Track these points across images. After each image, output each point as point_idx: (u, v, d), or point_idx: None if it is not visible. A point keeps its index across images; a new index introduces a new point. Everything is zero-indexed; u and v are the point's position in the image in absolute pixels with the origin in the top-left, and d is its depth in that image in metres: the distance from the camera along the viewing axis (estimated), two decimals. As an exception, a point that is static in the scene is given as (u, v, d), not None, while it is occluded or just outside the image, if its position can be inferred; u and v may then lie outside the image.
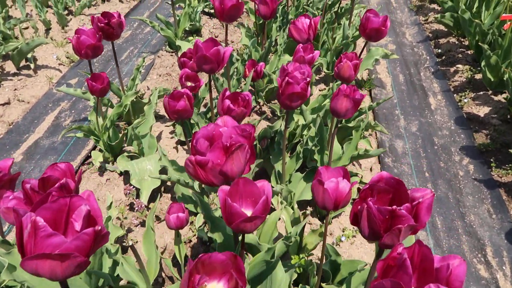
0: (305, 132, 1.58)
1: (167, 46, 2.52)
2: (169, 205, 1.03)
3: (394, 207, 0.68)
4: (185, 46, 2.34)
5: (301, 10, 2.30)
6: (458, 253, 1.43)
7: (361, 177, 1.45)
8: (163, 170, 1.47)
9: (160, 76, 2.33)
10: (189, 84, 1.56)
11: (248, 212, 0.75)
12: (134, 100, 1.76)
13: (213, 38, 1.29)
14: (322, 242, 1.16)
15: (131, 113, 1.84)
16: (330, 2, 2.49)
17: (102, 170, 1.62)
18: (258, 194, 0.74)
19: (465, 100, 2.17)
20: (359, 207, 0.73)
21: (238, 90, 1.75)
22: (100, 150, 1.64)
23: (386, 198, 0.76)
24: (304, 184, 1.40)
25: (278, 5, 2.39)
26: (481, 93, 2.24)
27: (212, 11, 2.86)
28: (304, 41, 1.55)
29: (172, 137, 1.81)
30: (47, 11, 2.87)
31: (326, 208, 0.79)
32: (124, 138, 1.63)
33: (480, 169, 1.78)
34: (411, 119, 2.11)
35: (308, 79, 1.11)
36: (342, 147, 1.66)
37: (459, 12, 2.46)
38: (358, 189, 1.52)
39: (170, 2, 2.85)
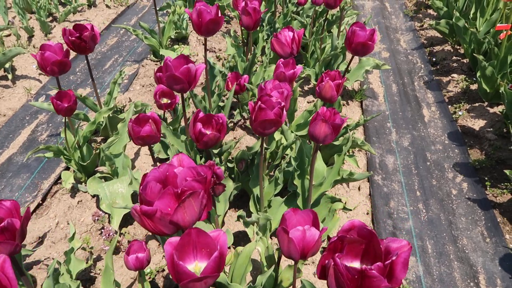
0: (288, 151, 1.50)
1: (152, 55, 2.43)
2: (129, 244, 0.94)
3: (364, 267, 0.59)
4: (169, 55, 2.26)
5: (289, 19, 2.21)
6: (449, 281, 1.35)
7: (345, 203, 1.37)
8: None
9: (143, 86, 2.24)
10: (164, 101, 1.47)
11: (203, 265, 0.67)
12: (110, 115, 1.67)
13: (185, 56, 1.21)
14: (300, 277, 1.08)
15: (108, 128, 1.75)
16: (320, 9, 2.40)
17: (74, 191, 1.53)
18: (213, 246, 0.65)
19: (460, 113, 2.09)
20: (326, 261, 0.65)
21: (220, 104, 1.67)
22: (73, 170, 1.55)
23: (358, 249, 0.67)
24: (284, 208, 1.31)
25: (266, 13, 2.31)
26: (477, 104, 2.15)
27: (200, 17, 2.77)
28: (287, 55, 1.46)
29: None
30: (30, 18, 2.79)
31: (293, 258, 0.71)
32: (98, 157, 1.55)
33: (474, 188, 1.70)
34: (403, 132, 2.02)
35: (283, 103, 1.03)
36: (328, 164, 1.57)
37: (454, 20, 2.38)
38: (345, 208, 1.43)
39: (157, 9, 2.77)
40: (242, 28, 2.07)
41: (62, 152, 1.42)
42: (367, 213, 1.58)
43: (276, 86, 1.25)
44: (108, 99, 1.73)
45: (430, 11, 3.20)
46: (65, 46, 2.39)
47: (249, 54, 1.83)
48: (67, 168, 1.59)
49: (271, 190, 1.25)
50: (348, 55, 2.37)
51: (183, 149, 1.39)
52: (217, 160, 1.28)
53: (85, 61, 2.49)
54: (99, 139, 1.84)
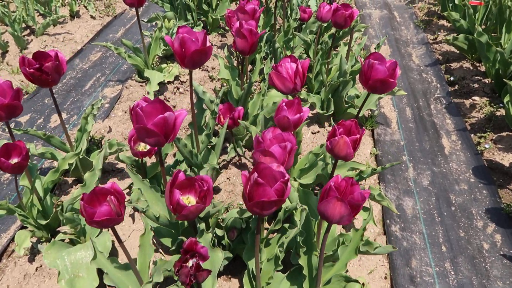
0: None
1: (137, 75, 2.17)
2: None
3: None
4: (155, 77, 2.00)
5: (291, 36, 1.95)
6: None
7: (363, 285, 1.11)
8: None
9: (125, 112, 1.98)
10: (140, 148, 1.22)
11: None
12: (81, 156, 1.41)
13: (161, 101, 0.95)
14: None
15: (80, 169, 1.50)
16: (326, 24, 2.14)
17: (33, 253, 1.28)
18: None
19: (487, 146, 1.83)
20: None
21: (209, 146, 1.42)
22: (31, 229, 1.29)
23: None
24: (287, 285, 1.06)
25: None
26: (505, 134, 1.90)
27: (192, 31, 2.51)
28: (289, 92, 1.21)
29: (128, 200, 1.47)
30: (5, 31, 2.53)
31: None
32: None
33: (510, 241, 1.44)
34: (421, 168, 1.76)
35: (287, 176, 0.77)
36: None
37: (475, 35, 2.12)
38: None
39: (145, 21, 2.51)
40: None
41: (15, 211, 1.16)
42: (385, 277, 1.32)
43: (277, 137, 1.00)
44: (79, 136, 1.47)
45: (443, 22, 2.94)
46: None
47: (245, 81, 1.57)
48: (24, 227, 1.33)
49: (270, 268, 0.99)
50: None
51: (165, 208, 1.13)
52: (203, 225, 1.02)
53: (66, 78, 2.23)
54: (70, 179, 1.58)
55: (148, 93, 2.00)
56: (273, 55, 1.87)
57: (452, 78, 2.30)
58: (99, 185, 0.82)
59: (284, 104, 1.12)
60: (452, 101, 2.19)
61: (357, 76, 1.82)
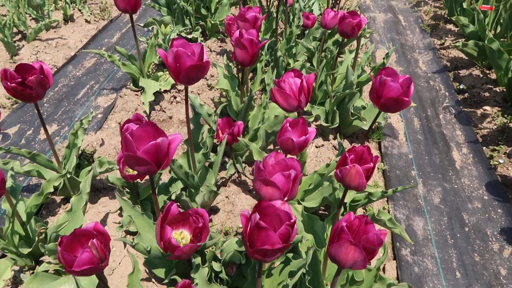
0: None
1: (132, 84, 2.08)
2: None
3: None
4: (150, 87, 1.90)
5: (293, 44, 1.85)
6: None
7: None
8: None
9: (119, 124, 1.88)
10: (131, 171, 1.12)
11: None
12: (68, 176, 1.32)
13: (153, 124, 0.85)
14: None
15: (68, 188, 1.40)
16: (330, 31, 2.04)
17: (16, 283, 1.18)
18: None
19: (501, 161, 1.73)
20: None
21: (206, 164, 1.32)
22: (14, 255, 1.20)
23: None
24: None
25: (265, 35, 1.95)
26: (518, 148, 1.80)
27: (190, 36, 2.42)
28: (293, 110, 1.11)
29: (119, 223, 1.37)
30: (-5, 36, 2.43)
31: None
32: (45, 239, 1.19)
33: (528, 266, 1.35)
34: (432, 184, 1.67)
35: (294, 218, 0.67)
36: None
37: (486, 41, 2.02)
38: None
39: (141, 25, 2.42)
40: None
41: (-6, 239, 1.07)
42: (396, 308, 1.22)
43: (280, 163, 0.90)
44: (67, 153, 1.38)
45: (451, 26, 2.84)
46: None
47: (245, 93, 1.48)
48: (4, 256, 1.23)
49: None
50: (366, 88, 2.01)
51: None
52: (198, 260, 0.93)
53: (59, 86, 2.14)
54: (58, 198, 1.49)
55: (143, 103, 1.90)
56: (274, 64, 1.77)
57: (461, 86, 2.20)
58: (82, 226, 0.72)
59: (288, 124, 1.02)
60: (461, 110, 2.09)
61: (364, 87, 1.72)
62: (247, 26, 1.46)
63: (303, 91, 1.09)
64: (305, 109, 1.66)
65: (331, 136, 1.77)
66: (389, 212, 1.53)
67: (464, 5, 2.58)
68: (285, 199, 0.90)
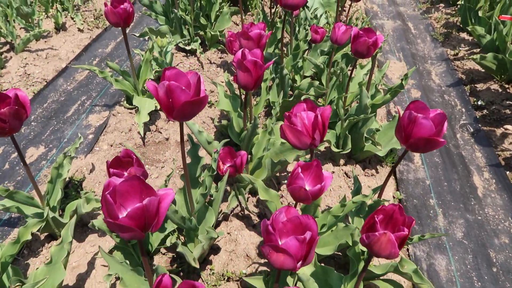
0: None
1: (125, 101, 1.93)
2: None
3: None
4: (145, 106, 1.76)
5: (299, 61, 1.70)
6: None
7: None
8: None
9: (111, 146, 1.74)
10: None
11: None
12: (51, 216, 1.17)
13: (139, 178, 0.71)
14: None
15: (52, 226, 1.26)
16: (339, 44, 1.89)
17: None
18: None
19: (528, 190, 1.58)
20: None
21: (207, 202, 1.17)
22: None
23: None
24: None
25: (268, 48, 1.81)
26: (546, 173, 1.65)
27: (188, 47, 2.27)
28: (305, 148, 0.96)
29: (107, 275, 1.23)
30: (-19, 47, 2.29)
31: None
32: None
33: None
34: (453, 215, 1.52)
35: None
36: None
37: (507, 55, 1.87)
38: None
39: (137, 35, 2.27)
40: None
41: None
42: None
43: (292, 221, 0.76)
44: (49, 188, 1.23)
45: (464, 35, 2.69)
46: None
47: (248, 121, 1.33)
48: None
49: None
50: (381, 111, 1.86)
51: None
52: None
53: (48, 102, 1.99)
54: (42, 235, 1.34)
55: (137, 124, 1.76)
56: (280, 82, 1.63)
57: (479, 103, 2.06)
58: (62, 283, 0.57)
59: (299, 170, 0.88)
60: (480, 129, 1.94)
61: (378, 110, 1.57)
62: (251, 44, 1.31)
63: (317, 127, 0.94)
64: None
65: (341, 161, 1.62)
66: (408, 250, 1.39)
67: (480, 13, 2.44)
68: (299, 265, 0.75)
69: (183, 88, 0.87)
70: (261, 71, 1.20)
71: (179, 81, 0.91)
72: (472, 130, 1.95)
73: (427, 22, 2.96)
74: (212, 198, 1.20)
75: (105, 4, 1.54)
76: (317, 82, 1.61)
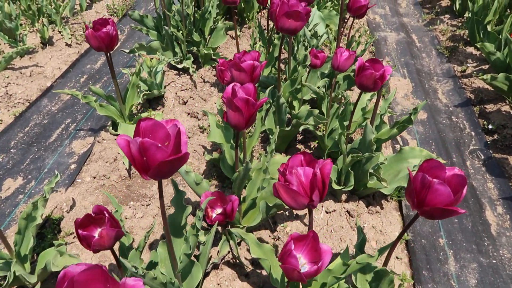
0: None
1: (111, 127, 1.80)
2: None
3: None
4: (131, 134, 1.63)
5: (298, 87, 1.57)
6: None
7: None
8: None
9: (94, 178, 1.61)
10: None
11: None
12: (17, 274, 1.04)
13: (102, 269, 0.59)
14: None
15: (22, 280, 1.13)
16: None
17: None
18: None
19: (548, 230, 1.45)
20: None
21: (194, 256, 1.05)
22: None
23: None
24: None
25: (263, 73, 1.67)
26: None
27: (180, 66, 2.14)
28: (302, 208, 0.83)
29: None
30: (-39, 65, 2.16)
31: None
32: None
33: None
34: (465, 258, 1.39)
35: None
36: None
37: (520, 76, 1.75)
38: None
39: (126, 51, 2.15)
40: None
41: None
42: None
43: None
44: (17, 239, 1.10)
45: (471, 50, 2.56)
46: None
47: (241, 160, 1.20)
48: None
49: None
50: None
51: None
52: None
53: (30, 125, 1.86)
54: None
55: (120, 155, 1.63)
56: (277, 110, 1.50)
57: (490, 126, 1.93)
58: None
59: (292, 245, 0.75)
60: (492, 155, 1.81)
61: (384, 144, 1.44)
62: (243, 77, 1.18)
63: (316, 185, 0.82)
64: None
65: (343, 196, 1.49)
66: (416, 300, 1.26)
67: (489, 27, 2.31)
68: None
69: (159, 145, 0.74)
70: (254, 110, 1.07)
71: (156, 134, 0.79)
72: (483, 157, 1.82)
73: (432, 35, 2.83)
74: (199, 253, 1.07)
75: (86, 27, 1.42)
76: (316, 111, 1.48)
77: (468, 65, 2.41)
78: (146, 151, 0.74)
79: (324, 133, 1.56)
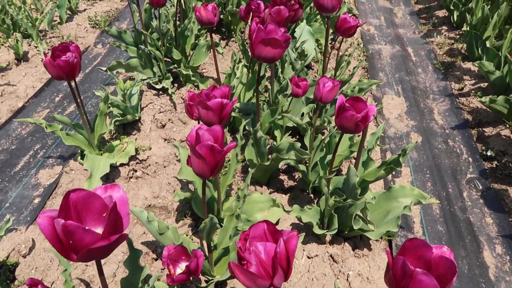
0: None
1: (79, 156, 1.67)
2: None
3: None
4: (99, 167, 1.50)
5: (279, 118, 1.44)
6: None
7: None
8: None
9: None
10: None
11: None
12: None
13: None
14: None
15: None
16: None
17: None
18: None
19: (552, 279, 1.33)
20: None
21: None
22: None
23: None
24: None
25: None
26: None
27: (159, 86, 2.02)
28: (263, 291, 0.71)
29: None
30: None
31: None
32: None
33: None
34: (460, 309, 1.27)
35: None
36: None
37: (521, 101, 1.62)
38: None
39: (103, 69, 2.02)
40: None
41: None
42: None
43: None
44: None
45: (469, 65, 2.44)
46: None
47: (215, 201, 1.08)
48: None
49: None
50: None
51: None
52: None
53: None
54: None
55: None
56: (255, 143, 1.37)
57: (489, 153, 1.80)
58: None
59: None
60: (490, 186, 1.69)
61: (371, 184, 1.31)
62: (211, 116, 1.06)
63: (280, 264, 0.69)
64: (291, 213, 1.26)
65: (327, 238, 1.37)
66: None
67: (488, 43, 2.18)
68: None
69: (86, 229, 0.62)
70: (221, 157, 0.94)
71: (90, 206, 0.68)
72: (481, 187, 1.69)
73: (428, 48, 2.71)
74: (156, 319, 0.95)
75: (44, 54, 1.29)
76: (299, 144, 1.35)
77: (466, 82, 2.28)
78: (71, 235, 0.62)
79: (307, 165, 1.43)
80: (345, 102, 1.00)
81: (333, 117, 1.84)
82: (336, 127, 1.27)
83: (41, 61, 2.39)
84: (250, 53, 1.28)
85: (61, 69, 1.27)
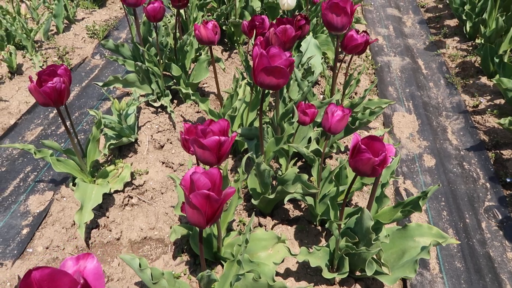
0: None
1: (71, 183, 1.57)
2: None
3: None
4: (90, 198, 1.40)
5: (284, 146, 1.33)
6: None
7: None
8: None
9: (47, 249, 1.38)
10: None
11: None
12: None
13: None
14: None
15: None
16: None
17: None
18: None
19: None
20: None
21: None
22: None
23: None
24: None
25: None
26: None
27: (157, 104, 1.91)
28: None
29: None
30: None
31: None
32: None
33: None
34: None
35: None
36: None
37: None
38: None
39: (100, 85, 1.92)
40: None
41: None
42: None
43: None
44: None
45: (484, 80, 2.32)
46: None
47: (215, 237, 0.97)
48: None
49: None
50: (387, 191, 1.50)
51: None
52: None
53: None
54: None
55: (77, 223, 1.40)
56: (258, 175, 1.26)
57: (508, 180, 1.68)
58: None
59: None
60: (510, 215, 1.57)
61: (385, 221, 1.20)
62: (207, 155, 0.95)
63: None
64: (297, 258, 1.15)
65: (337, 278, 1.26)
66: None
67: (505, 58, 2.06)
68: None
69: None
70: (218, 205, 0.84)
71: (56, 285, 0.58)
72: (500, 216, 1.58)
73: (440, 60, 2.59)
74: None
75: (30, 79, 1.19)
76: (305, 176, 1.24)
77: (481, 99, 2.17)
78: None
79: (315, 200, 1.32)
80: (360, 143, 0.89)
81: (341, 141, 1.73)
82: (347, 161, 1.16)
83: (30, 83, 2.30)
84: (252, 79, 1.18)
85: (47, 96, 1.17)
